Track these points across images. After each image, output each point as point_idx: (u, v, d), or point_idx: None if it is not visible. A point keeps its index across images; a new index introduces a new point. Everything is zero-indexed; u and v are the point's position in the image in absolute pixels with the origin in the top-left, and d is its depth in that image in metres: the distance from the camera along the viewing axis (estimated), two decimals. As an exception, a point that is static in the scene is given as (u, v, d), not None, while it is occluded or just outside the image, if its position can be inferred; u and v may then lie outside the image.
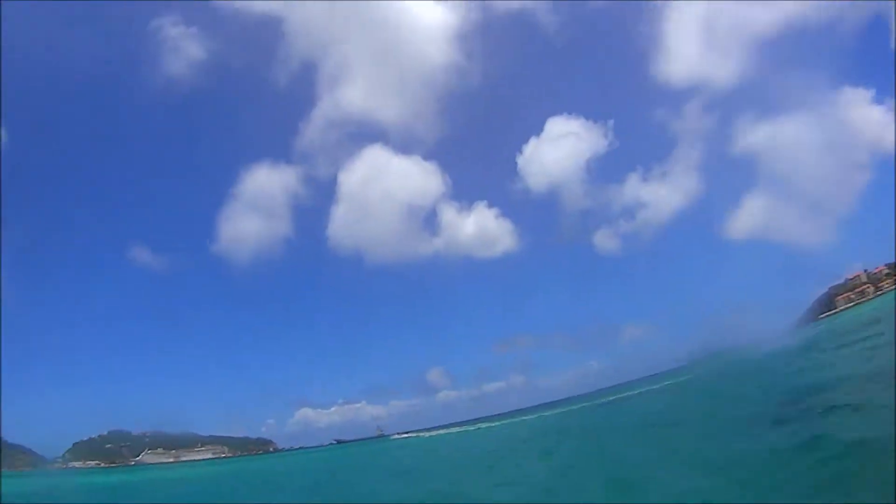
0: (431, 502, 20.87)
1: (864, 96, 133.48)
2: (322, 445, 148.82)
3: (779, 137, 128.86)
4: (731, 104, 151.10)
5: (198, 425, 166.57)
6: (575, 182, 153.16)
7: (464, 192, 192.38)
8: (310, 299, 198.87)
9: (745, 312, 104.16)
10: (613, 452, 23.66)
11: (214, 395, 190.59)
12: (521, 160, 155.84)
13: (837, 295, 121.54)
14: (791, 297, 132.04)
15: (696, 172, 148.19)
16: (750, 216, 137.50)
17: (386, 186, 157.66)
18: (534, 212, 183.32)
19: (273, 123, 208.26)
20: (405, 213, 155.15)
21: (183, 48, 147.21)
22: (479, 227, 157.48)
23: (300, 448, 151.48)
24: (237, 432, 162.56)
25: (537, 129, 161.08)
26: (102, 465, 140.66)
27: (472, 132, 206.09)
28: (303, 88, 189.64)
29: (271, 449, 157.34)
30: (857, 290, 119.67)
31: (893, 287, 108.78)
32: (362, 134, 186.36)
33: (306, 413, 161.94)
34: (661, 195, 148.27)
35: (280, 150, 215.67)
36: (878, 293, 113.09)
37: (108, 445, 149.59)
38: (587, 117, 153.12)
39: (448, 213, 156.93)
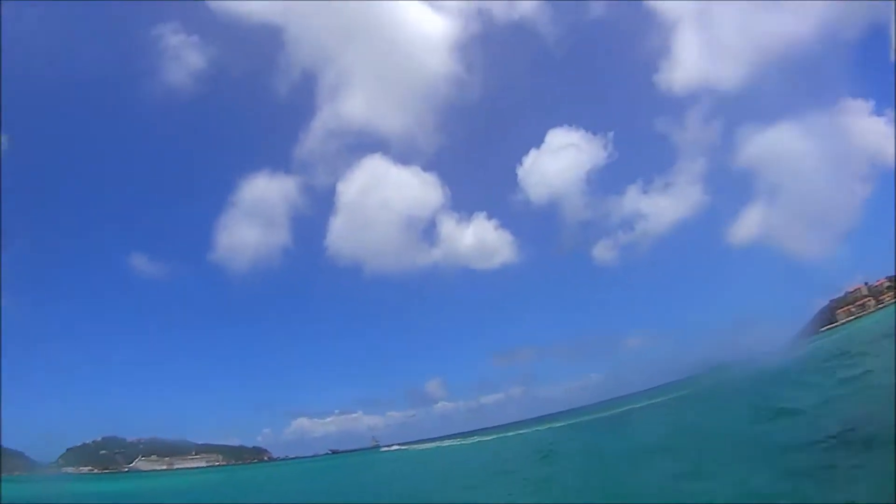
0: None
1: (864, 108, 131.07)
2: (317, 455, 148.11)
3: (779, 149, 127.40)
4: (732, 115, 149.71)
5: (193, 433, 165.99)
6: (575, 194, 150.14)
7: (463, 203, 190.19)
8: (308, 309, 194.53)
9: (746, 325, 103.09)
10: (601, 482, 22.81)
11: (210, 403, 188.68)
12: (521, 171, 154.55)
13: (838, 308, 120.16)
14: (791, 310, 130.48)
15: (696, 184, 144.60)
16: (749, 227, 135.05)
17: (385, 197, 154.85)
18: (533, 223, 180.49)
19: (273, 132, 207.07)
20: (404, 224, 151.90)
21: (183, 56, 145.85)
22: (478, 239, 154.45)
23: (295, 458, 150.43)
24: (232, 441, 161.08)
25: (537, 141, 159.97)
26: (96, 470, 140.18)
27: (472, 143, 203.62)
28: (303, 98, 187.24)
29: (266, 458, 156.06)
30: (857, 303, 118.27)
31: (895, 300, 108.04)
32: (362, 144, 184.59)
33: (302, 423, 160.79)
34: (661, 206, 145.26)
35: (279, 159, 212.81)
36: (880, 306, 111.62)
37: (103, 451, 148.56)
38: (587, 129, 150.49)
39: (447, 225, 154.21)
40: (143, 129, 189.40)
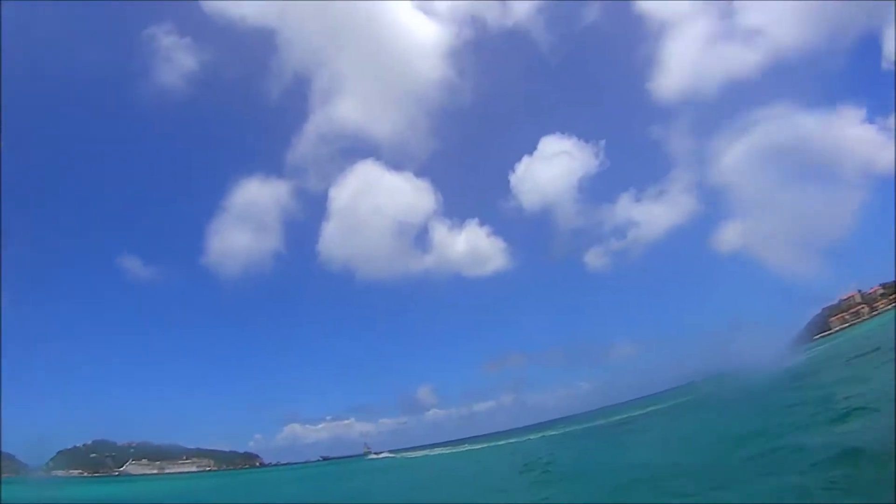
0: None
1: (857, 115, 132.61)
2: (309, 461, 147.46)
3: (769, 157, 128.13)
4: (721, 123, 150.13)
5: (184, 437, 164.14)
6: (567, 201, 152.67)
7: (455, 210, 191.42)
8: (299, 314, 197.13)
9: (738, 332, 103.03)
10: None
11: (202, 408, 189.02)
12: (513, 178, 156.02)
13: (832, 316, 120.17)
14: (784, 318, 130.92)
15: (687, 192, 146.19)
16: (740, 236, 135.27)
17: (377, 202, 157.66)
18: (526, 230, 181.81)
19: (265, 136, 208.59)
20: (396, 230, 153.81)
21: (176, 58, 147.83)
22: (470, 245, 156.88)
23: (287, 464, 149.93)
24: (224, 446, 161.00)
25: (530, 148, 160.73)
26: (86, 474, 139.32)
27: (465, 149, 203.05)
28: (295, 102, 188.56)
29: (258, 464, 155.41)
30: (851, 310, 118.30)
31: (891, 306, 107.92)
32: (354, 149, 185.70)
33: (294, 429, 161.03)
34: (653, 214, 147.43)
35: (272, 163, 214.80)
36: (874, 314, 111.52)
37: (93, 455, 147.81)
38: (580, 136, 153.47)
39: (439, 231, 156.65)
40: (135, 132, 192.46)
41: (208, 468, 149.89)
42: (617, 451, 38.74)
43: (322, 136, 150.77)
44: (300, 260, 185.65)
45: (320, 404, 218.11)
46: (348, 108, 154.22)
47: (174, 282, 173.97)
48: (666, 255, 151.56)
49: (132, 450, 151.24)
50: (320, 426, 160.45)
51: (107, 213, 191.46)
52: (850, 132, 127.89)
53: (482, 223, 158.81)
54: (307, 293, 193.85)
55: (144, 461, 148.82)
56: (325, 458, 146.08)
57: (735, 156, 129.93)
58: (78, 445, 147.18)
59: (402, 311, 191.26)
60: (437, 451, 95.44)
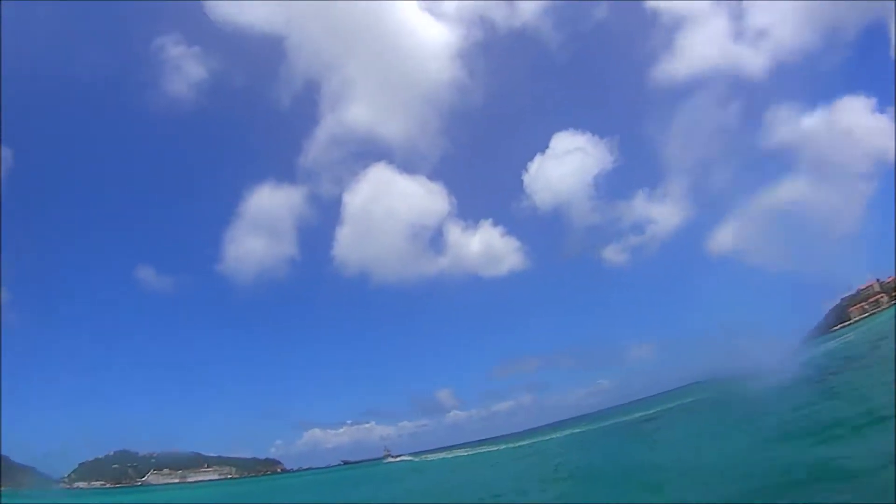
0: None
1: (866, 105, 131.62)
2: (330, 466, 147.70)
3: (782, 152, 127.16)
4: (731, 117, 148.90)
5: (205, 446, 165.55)
6: (582, 198, 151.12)
7: (469, 211, 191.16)
8: (316, 319, 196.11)
9: (754, 328, 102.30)
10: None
11: (222, 415, 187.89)
12: (526, 177, 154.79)
13: (850, 306, 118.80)
14: (800, 312, 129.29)
15: (701, 189, 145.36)
16: (751, 232, 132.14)
17: (391, 206, 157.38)
18: (540, 229, 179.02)
19: (277, 142, 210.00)
20: (410, 233, 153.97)
21: (185, 67, 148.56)
22: (484, 246, 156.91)
23: (308, 469, 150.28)
24: (245, 453, 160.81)
25: (542, 146, 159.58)
26: (108, 485, 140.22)
27: (477, 150, 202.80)
28: (306, 107, 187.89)
29: (279, 470, 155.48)
30: (870, 300, 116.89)
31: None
32: (367, 152, 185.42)
33: (315, 434, 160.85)
34: (667, 211, 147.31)
35: (284, 169, 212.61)
36: (894, 302, 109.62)
37: (115, 466, 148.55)
38: (593, 132, 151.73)
39: (454, 232, 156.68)
40: (148, 141, 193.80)
41: (230, 476, 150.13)
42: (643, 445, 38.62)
43: (334, 140, 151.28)
44: (315, 265, 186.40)
45: (340, 409, 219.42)
46: (359, 111, 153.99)
47: (190, 290, 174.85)
48: (679, 252, 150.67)
49: (153, 460, 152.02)
50: (341, 430, 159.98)
51: (124, 224, 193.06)
52: (861, 122, 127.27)
53: (496, 223, 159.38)
54: (323, 298, 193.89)
55: (166, 471, 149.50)
56: (345, 462, 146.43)
57: (747, 151, 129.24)
58: (99, 457, 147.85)
59: (418, 313, 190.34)
60: (456, 453, 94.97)
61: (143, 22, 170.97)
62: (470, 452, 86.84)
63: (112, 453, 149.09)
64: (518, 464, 48.60)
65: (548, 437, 77.12)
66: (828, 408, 27.11)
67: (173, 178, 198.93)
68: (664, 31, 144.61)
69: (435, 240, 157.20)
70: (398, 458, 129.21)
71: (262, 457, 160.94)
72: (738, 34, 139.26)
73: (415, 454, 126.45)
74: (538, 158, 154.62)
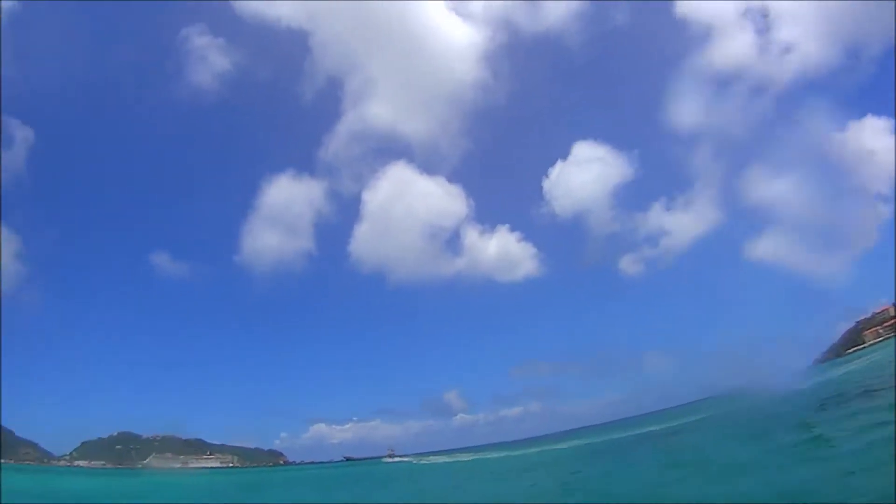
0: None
1: (884, 126, 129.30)
2: (332, 461, 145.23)
3: (798, 168, 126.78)
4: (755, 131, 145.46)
5: (209, 433, 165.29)
6: (601, 208, 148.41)
7: (486, 215, 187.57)
8: (330, 315, 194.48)
9: (768, 344, 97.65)
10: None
11: (228, 404, 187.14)
12: (546, 184, 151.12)
13: (865, 329, 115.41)
14: (814, 332, 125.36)
15: (718, 203, 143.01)
16: (771, 248, 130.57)
17: (409, 206, 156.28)
18: (557, 236, 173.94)
19: (298, 137, 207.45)
20: (428, 234, 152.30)
21: (209, 58, 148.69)
22: (501, 251, 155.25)
23: (310, 463, 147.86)
24: (249, 443, 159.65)
25: (563, 153, 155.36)
26: (109, 465, 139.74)
27: (497, 153, 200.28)
28: (328, 103, 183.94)
29: (281, 462, 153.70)
30: (885, 324, 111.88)
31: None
32: (387, 149, 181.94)
33: (320, 428, 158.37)
34: (684, 224, 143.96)
35: (304, 164, 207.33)
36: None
37: (118, 447, 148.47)
38: (613, 144, 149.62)
39: (471, 236, 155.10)
40: (170, 131, 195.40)
41: (231, 464, 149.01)
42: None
43: (355, 135, 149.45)
44: (331, 261, 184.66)
45: (347, 405, 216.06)
46: (381, 110, 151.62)
47: (206, 279, 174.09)
48: (696, 265, 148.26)
49: (156, 443, 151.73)
50: (346, 426, 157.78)
51: (140, 210, 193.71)
52: (877, 143, 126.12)
53: (513, 229, 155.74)
54: (337, 294, 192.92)
55: (168, 455, 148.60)
56: (347, 459, 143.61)
57: (766, 167, 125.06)
58: (103, 437, 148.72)
59: (431, 313, 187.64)
60: (458, 457, 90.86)
61: (168, 12, 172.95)
62: (472, 458, 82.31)
63: (115, 434, 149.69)
64: (522, 477, 43.23)
65: (556, 447, 71.79)
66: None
67: (194, 166, 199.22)
68: (691, 41, 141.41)
69: (452, 242, 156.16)
70: (398, 459, 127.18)
71: (266, 448, 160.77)
72: (765, 46, 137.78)
73: (416, 455, 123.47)
74: (559, 165, 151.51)
